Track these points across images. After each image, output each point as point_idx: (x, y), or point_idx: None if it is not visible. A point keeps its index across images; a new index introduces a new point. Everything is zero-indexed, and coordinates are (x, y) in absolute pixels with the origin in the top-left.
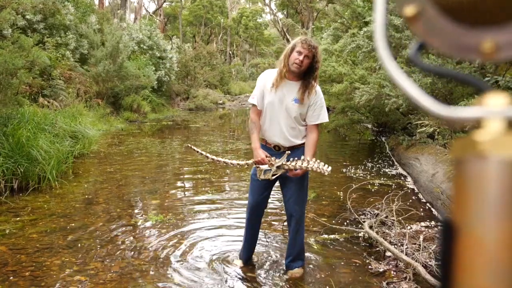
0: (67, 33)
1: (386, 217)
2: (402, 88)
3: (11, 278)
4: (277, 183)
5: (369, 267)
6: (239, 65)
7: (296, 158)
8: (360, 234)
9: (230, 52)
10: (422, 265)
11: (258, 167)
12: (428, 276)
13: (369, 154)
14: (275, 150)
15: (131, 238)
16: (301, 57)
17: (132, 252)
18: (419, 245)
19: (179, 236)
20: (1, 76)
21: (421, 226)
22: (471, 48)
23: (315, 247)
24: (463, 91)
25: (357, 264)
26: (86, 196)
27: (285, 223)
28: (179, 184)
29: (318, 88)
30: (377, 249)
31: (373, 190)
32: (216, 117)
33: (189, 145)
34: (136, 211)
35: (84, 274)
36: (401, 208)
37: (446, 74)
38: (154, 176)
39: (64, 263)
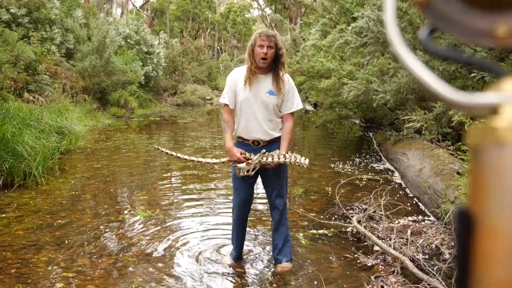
0: (52, 28)
1: (374, 211)
2: (415, 74)
3: None
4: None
5: (358, 261)
6: (227, 61)
7: (271, 153)
8: (348, 229)
9: (218, 48)
10: (410, 259)
11: (236, 166)
12: (415, 270)
13: (357, 150)
14: (254, 145)
15: (119, 234)
16: (264, 50)
17: (120, 249)
18: (407, 239)
19: (167, 232)
20: None
21: (409, 221)
22: (484, 33)
23: (304, 242)
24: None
25: (346, 259)
26: (73, 192)
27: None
28: (167, 179)
29: (288, 77)
30: (365, 243)
31: (361, 185)
32: (204, 112)
33: (158, 147)
34: (124, 207)
35: (71, 270)
36: (389, 202)
37: (459, 59)
38: (141, 172)
39: (51, 260)
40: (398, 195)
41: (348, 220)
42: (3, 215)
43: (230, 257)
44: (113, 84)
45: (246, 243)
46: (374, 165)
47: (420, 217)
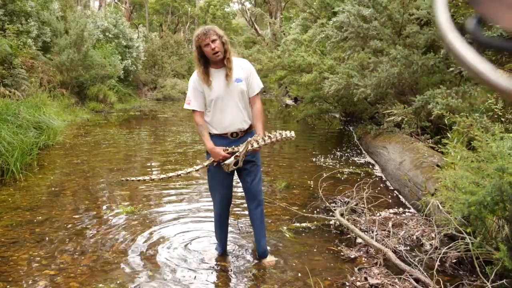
0: (28, 20)
1: (356, 204)
2: (466, 61)
3: None
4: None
5: (341, 253)
6: None
7: (254, 138)
8: (331, 222)
9: None
10: (392, 251)
11: (223, 164)
12: (398, 261)
13: (338, 143)
14: (233, 137)
15: (101, 230)
16: (212, 45)
17: (103, 245)
18: (389, 231)
19: (150, 227)
20: None
21: (390, 213)
22: None
23: (287, 235)
24: (428, 81)
25: (329, 251)
26: (53, 189)
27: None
28: (148, 174)
29: (245, 61)
30: (348, 236)
31: (342, 178)
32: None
33: (126, 178)
34: (105, 203)
35: (53, 268)
36: (370, 195)
37: (510, 48)
38: (123, 167)
39: (32, 257)
40: (379, 188)
41: (331, 213)
42: None
43: (215, 251)
44: (92, 78)
45: (230, 236)
46: (355, 159)
47: (400, 209)
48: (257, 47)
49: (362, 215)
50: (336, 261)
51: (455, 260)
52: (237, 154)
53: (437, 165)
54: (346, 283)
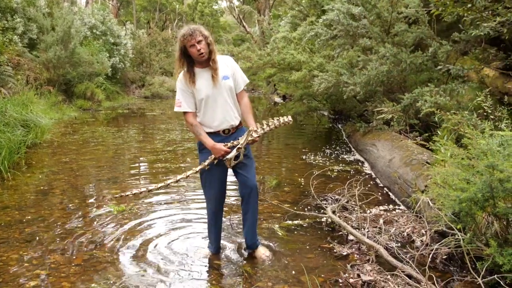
0: (14, 17)
1: (347, 202)
2: None
3: None
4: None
5: (333, 250)
6: None
7: (253, 129)
8: (323, 219)
9: None
10: (384, 247)
11: (225, 159)
12: (390, 258)
13: (327, 141)
14: (225, 134)
15: (92, 229)
16: (198, 46)
17: (94, 244)
18: (380, 228)
19: (142, 226)
20: None
21: (380, 210)
22: None
23: (280, 233)
24: (416, 79)
25: (322, 248)
26: (42, 188)
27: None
28: (138, 173)
29: (229, 58)
30: (340, 233)
31: (332, 176)
32: (172, 105)
33: (121, 194)
34: (95, 202)
35: (44, 268)
36: (361, 192)
37: None
38: (112, 166)
39: (22, 257)
40: (368, 186)
41: (322, 210)
42: None
43: (208, 249)
44: (79, 76)
45: (223, 233)
46: (345, 156)
47: (391, 206)
48: (246, 45)
49: (353, 212)
50: (329, 258)
51: (445, 256)
52: (238, 146)
53: (427, 163)
54: (339, 280)
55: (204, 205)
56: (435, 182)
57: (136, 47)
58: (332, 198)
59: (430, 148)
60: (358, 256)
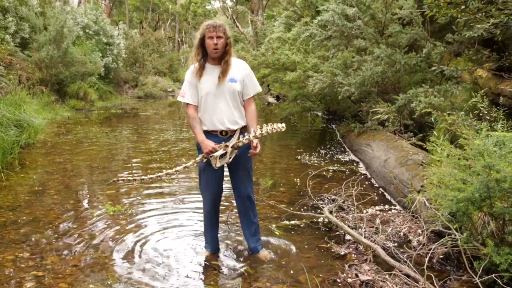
0: (6, 16)
1: (343, 202)
2: None
3: None
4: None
5: (331, 250)
6: (187, 53)
7: (243, 135)
8: (320, 219)
9: (179, 39)
10: (381, 247)
11: (211, 156)
12: (387, 258)
13: (321, 141)
14: (222, 136)
15: (88, 230)
16: (214, 40)
17: (91, 245)
18: (376, 228)
19: (138, 226)
20: None
21: (376, 210)
22: None
23: (277, 233)
24: (410, 80)
25: (319, 248)
26: (36, 188)
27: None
28: (134, 173)
29: (243, 62)
30: (337, 233)
31: (328, 176)
32: (166, 105)
33: (119, 179)
34: (91, 202)
35: (41, 269)
36: (357, 193)
37: None
38: (107, 166)
39: (17, 259)
40: (364, 186)
41: (319, 210)
42: None
43: (205, 249)
44: (72, 76)
45: (220, 233)
46: (339, 157)
47: (387, 206)
48: (241, 45)
49: (350, 212)
50: (326, 258)
51: (442, 256)
52: (226, 144)
53: (422, 163)
54: (338, 279)
55: (200, 204)
56: (431, 182)
57: (129, 47)
58: (328, 198)
59: (424, 148)
60: (355, 256)
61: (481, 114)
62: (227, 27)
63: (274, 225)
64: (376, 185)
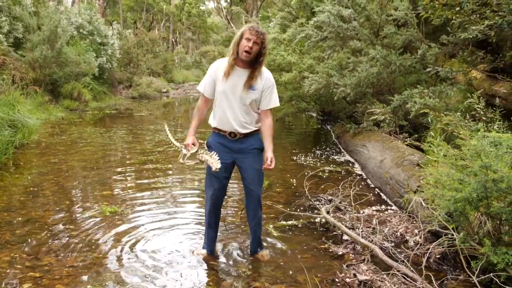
0: None
1: (340, 202)
2: None
3: None
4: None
5: (329, 250)
6: (181, 53)
7: (209, 152)
8: (317, 220)
9: (173, 40)
10: (378, 247)
11: (181, 151)
12: (385, 258)
13: (316, 142)
14: (231, 137)
15: (85, 231)
16: (250, 44)
17: (88, 246)
18: (373, 228)
19: (135, 227)
20: None
21: (373, 210)
22: None
23: (275, 233)
24: (404, 80)
25: (317, 249)
26: (31, 189)
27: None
28: (129, 174)
29: (268, 73)
30: (334, 233)
31: (324, 176)
32: (160, 105)
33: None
34: (87, 203)
35: (38, 270)
36: (354, 193)
37: None
38: (102, 167)
39: (14, 260)
40: (360, 186)
41: (316, 211)
42: None
43: (203, 250)
44: (66, 76)
45: (219, 234)
46: (335, 157)
47: (383, 206)
48: None
49: (347, 212)
50: (324, 258)
51: (439, 256)
52: (194, 151)
53: (418, 164)
54: (336, 279)
55: (198, 206)
56: (428, 182)
57: (123, 47)
58: (325, 199)
59: (420, 148)
60: (353, 256)
61: (477, 115)
62: (268, 38)
63: (271, 226)
64: (372, 186)
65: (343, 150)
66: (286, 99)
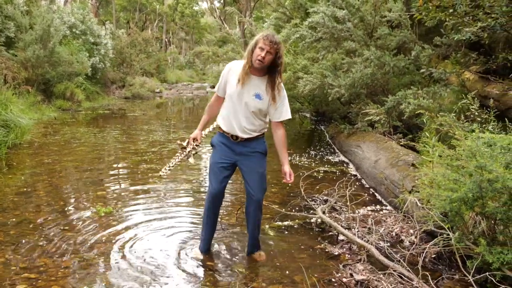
0: None
1: (335, 202)
2: None
3: None
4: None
5: (325, 250)
6: (175, 53)
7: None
8: (312, 220)
9: (166, 40)
10: (374, 247)
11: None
12: (381, 257)
13: (310, 142)
14: (233, 140)
15: (80, 231)
16: (263, 54)
17: (83, 246)
18: (369, 228)
19: (131, 227)
20: None
21: (368, 210)
22: None
23: (271, 233)
24: (398, 81)
25: (313, 249)
26: (25, 189)
27: (239, 211)
28: (124, 174)
29: (282, 86)
30: (330, 233)
31: (319, 177)
32: (153, 106)
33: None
34: (81, 203)
35: (33, 271)
36: (348, 193)
37: None
38: (96, 167)
39: (8, 261)
40: (355, 186)
41: (311, 211)
42: None
43: (199, 250)
44: (58, 76)
45: (216, 234)
46: (329, 157)
47: (378, 206)
48: (231, 46)
49: (342, 212)
50: (321, 258)
51: (434, 255)
52: (190, 150)
53: (412, 164)
54: (333, 279)
55: (194, 207)
56: (423, 182)
57: (116, 47)
58: (320, 199)
59: (414, 148)
60: (349, 256)
61: (471, 116)
62: (283, 48)
63: (267, 226)
64: (367, 186)
65: (337, 151)
66: None
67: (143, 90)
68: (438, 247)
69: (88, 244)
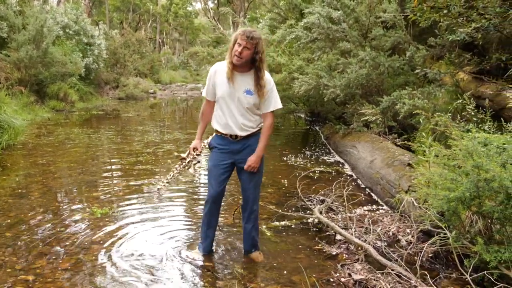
0: None
1: (332, 202)
2: None
3: None
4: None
5: (323, 250)
6: (168, 54)
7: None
8: (310, 220)
9: (160, 40)
10: (372, 247)
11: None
12: (379, 257)
13: (306, 143)
14: (232, 139)
15: (77, 233)
16: (239, 49)
17: (81, 248)
18: (366, 228)
19: (128, 228)
20: None
21: (364, 210)
22: None
23: (268, 234)
24: (393, 82)
25: (310, 249)
26: (19, 190)
27: (236, 211)
28: (120, 175)
29: (268, 76)
30: (327, 233)
31: (315, 177)
32: (147, 106)
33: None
34: (76, 204)
35: (30, 273)
36: (344, 193)
37: None
38: (91, 168)
39: (4, 263)
40: (350, 187)
41: (308, 211)
42: None
43: (199, 250)
44: (52, 76)
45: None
46: (325, 158)
47: (374, 206)
48: (227, 46)
49: (339, 212)
50: (318, 258)
51: (431, 255)
52: (184, 156)
53: (408, 164)
54: (331, 279)
55: (191, 208)
56: (419, 182)
57: (110, 47)
58: (317, 199)
59: (409, 148)
60: (347, 255)
61: (467, 116)
62: (262, 44)
63: (264, 226)
64: (363, 186)
65: (332, 151)
66: None
67: (137, 91)
68: (436, 246)
69: (85, 245)
